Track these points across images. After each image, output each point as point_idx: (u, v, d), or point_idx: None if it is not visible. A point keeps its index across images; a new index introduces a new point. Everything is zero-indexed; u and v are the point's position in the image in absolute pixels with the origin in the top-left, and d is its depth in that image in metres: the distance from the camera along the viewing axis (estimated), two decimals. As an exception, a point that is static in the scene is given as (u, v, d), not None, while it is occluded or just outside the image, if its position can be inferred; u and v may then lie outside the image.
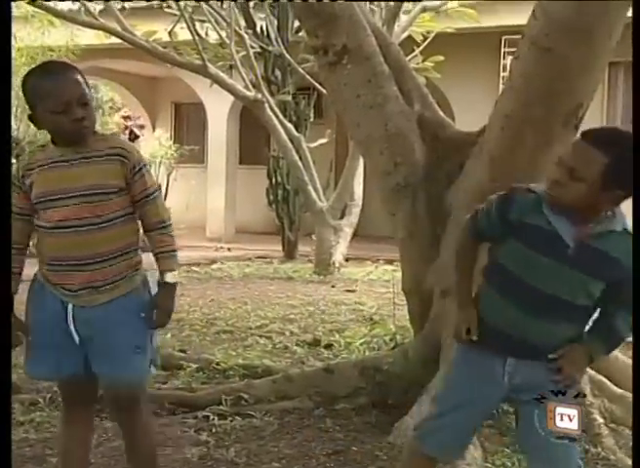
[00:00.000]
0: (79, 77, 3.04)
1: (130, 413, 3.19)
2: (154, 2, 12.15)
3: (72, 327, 3.06)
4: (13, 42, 12.77)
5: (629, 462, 3.95)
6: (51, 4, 10.42)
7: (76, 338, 3.06)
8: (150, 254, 3.20)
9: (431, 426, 3.07)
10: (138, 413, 3.20)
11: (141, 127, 17.55)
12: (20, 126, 12.41)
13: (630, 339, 3.02)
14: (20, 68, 12.49)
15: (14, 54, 12.54)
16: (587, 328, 2.94)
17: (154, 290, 3.19)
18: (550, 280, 2.85)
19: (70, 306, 3.05)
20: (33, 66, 3.27)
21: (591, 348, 2.93)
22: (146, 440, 3.26)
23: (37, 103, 3.01)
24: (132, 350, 3.09)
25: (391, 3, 9.75)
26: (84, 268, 3.02)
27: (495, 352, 2.92)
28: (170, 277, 3.15)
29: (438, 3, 10.49)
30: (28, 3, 9.68)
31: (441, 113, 5.42)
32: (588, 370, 4.58)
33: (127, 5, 12.12)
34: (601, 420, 4.32)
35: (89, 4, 10.46)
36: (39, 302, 3.12)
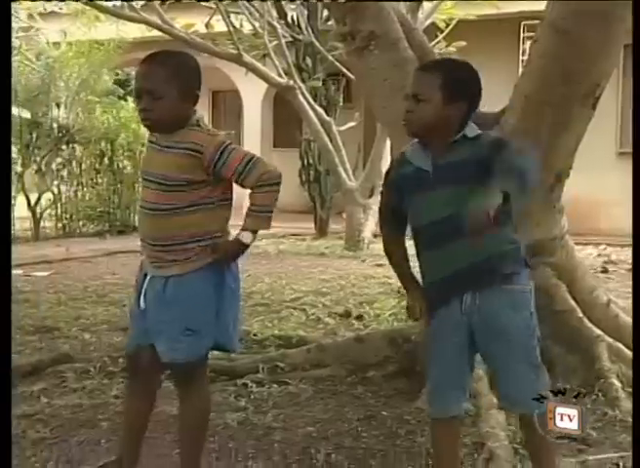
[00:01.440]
0: (165, 69, 2.96)
1: (184, 386, 3.16)
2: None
3: (142, 295, 3.06)
4: (63, 37, 12.87)
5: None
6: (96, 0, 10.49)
7: (142, 305, 3.06)
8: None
9: (428, 391, 3.12)
10: (192, 386, 3.15)
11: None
12: (70, 115, 12.48)
13: None
14: (69, 61, 12.58)
15: (64, 47, 12.62)
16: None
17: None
18: (439, 207, 2.89)
19: (148, 276, 3.06)
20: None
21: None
22: (198, 415, 3.21)
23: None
24: (181, 332, 2.98)
25: (415, -8, 9.65)
26: (155, 248, 3.02)
27: (450, 299, 2.92)
28: (245, 236, 3.00)
29: (460, -9, 10.38)
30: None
31: (464, 95, 5.35)
32: (607, 337, 4.53)
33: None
34: (619, 384, 4.27)
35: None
36: (137, 276, 3.16)
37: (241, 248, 3.02)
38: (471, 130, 2.94)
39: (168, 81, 2.95)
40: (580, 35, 3.96)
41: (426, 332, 3.07)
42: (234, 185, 3.06)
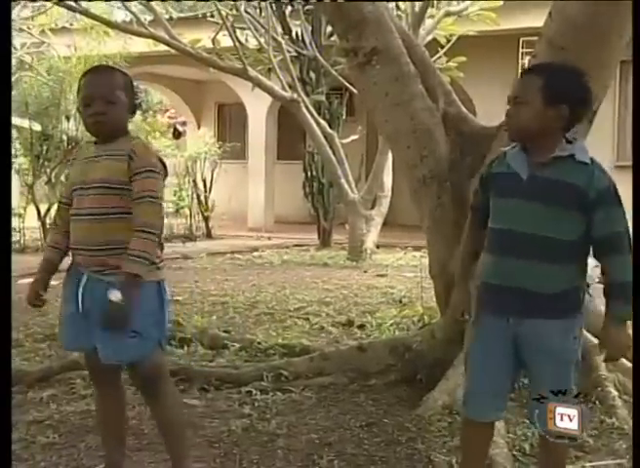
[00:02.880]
0: (115, 79, 3.11)
1: (155, 388, 3.15)
2: (199, 12, 12.22)
3: (79, 299, 3.06)
4: (73, 51, 12.91)
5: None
6: (105, 16, 10.54)
7: (80, 309, 3.05)
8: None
9: (466, 391, 3.06)
10: (164, 388, 3.16)
11: (184, 124, 17.61)
12: (80, 127, 12.51)
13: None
14: (79, 75, 12.62)
15: (74, 61, 12.66)
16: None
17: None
18: (520, 218, 2.81)
19: (84, 278, 3.05)
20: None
21: (614, 313, 2.75)
22: (172, 413, 3.21)
23: (78, 98, 3.14)
24: (126, 334, 2.95)
25: (417, 9, 9.68)
26: (95, 253, 3.01)
27: (500, 310, 2.85)
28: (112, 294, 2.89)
29: (460, 7, 10.40)
30: (63, 5, 9.70)
31: (464, 109, 5.36)
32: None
33: (174, 15, 12.19)
34: (615, 393, 4.27)
35: (140, 15, 10.53)
36: (66, 281, 3.17)
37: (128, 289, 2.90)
38: (581, 153, 2.78)
39: (120, 89, 3.08)
40: (578, 51, 3.97)
41: (471, 333, 3.02)
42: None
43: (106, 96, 3.04)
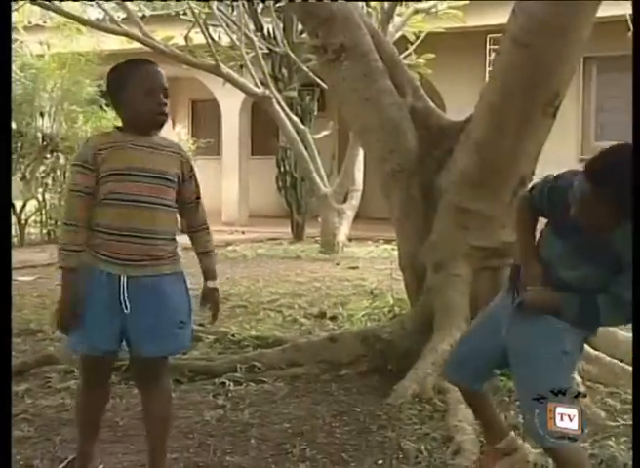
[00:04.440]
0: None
1: (158, 382, 3.15)
2: (172, 10, 12.16)
3: (123, 297, 2.93)
4: (46, 49, 12.79)
5: (602, 415, 4.02)
6: (78, 14, 10.45)
7: (127, 308, 2.93)
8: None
9: (449, 357, 3.21)
10: (165, 382, 3.19)
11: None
12: (54, 124, 12.41)
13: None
14: (52, 72, 12.50)
15: (47, 59, 12.55)
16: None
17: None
18: (556, 255, 2.79)
19: (124, 277, 2.93)
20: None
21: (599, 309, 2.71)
22: (167, 406, 3.22)
23: (130, 87, 3.00)
24: (176, 324, 3.02)
25: (386, 6, 9.70)
26: (146, 242, 2.95)
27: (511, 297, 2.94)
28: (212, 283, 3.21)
29: (429, 5, 10.43)
30: (37, 4, 9.60)
31: (431, 104, 5.39)
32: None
33: (147, 12, 12.11)
34: (579, 379, 4.31)
35: (113, 13, 10.46)
36: (86, 281, 2.96)
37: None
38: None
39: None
40: (540, 48, 4.01)
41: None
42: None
43: (166, 89, 3.05)
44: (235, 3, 10.78)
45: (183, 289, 3.08)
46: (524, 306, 2.83)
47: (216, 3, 10.46)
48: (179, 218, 3.15)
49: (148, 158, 2.99)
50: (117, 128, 3.12)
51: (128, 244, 2.93)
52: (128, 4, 10.38)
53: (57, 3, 9.75)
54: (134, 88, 2.99)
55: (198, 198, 3.15)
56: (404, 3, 10.31)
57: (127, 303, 2.93)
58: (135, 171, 2.95)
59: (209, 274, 3.20)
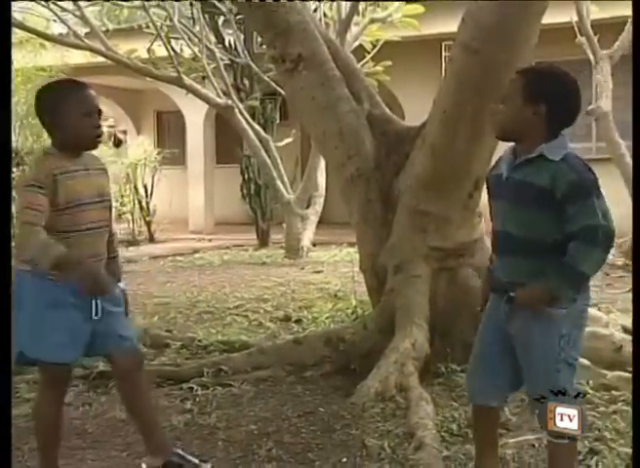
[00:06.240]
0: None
1: (130, 379, 3.25)
2: (134, 23, 12.10)
3: (96, 302, 3.05)
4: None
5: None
6: (42, 29, 10.36)
7: (99, 314, 3.07)
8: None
9: (469, 376, 3.11)
10: (137, 378, 3.27)
11: (124, 133, 17.44)
12: (19, 139, 12.27)
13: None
14: (17, 88, 12.34)
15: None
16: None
17: None
18: (504, 219, 2.82)
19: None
20: (46, 82, 3.30)
21: (550, 284, 2.69)
22: (145, 399, 3.34)
23: (63, 108, 2.99)
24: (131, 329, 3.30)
25: (343, 16, 9.72)
26: (101, 262, 3.15)
27: (496, 296, 2.90)
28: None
29: (385, 14, 10.46)
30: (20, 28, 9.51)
31: (387, 110, 5.43)
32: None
33: (110, 27, 12.02)
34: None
35: (76, 28, 10.38)
36: (44, 291, 3.02)
37: None
38: (552, 151, 2.70)
39: None
40: (489, 54, 4.05)
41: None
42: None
43: (101, 110, 3.10)
44: (196, 15, 10.74)
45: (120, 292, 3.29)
46: (519, 304, 2.78)
47: (177, 16, 10.42)
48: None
49: (91, 183, 3.09)
50: (48, 148, 3.12)
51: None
52: (91, 19, 10.31)
53: (19, 17, 9.65)
54: (70, 110, 3.00)
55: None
56: (361, 13, 10.34)
57: (97, 312, 3.07)
58: (87, 199, 3.05)
59: (119, 276, 3.35)
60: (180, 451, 3.37)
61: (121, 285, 3.32)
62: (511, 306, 2.81)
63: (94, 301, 3.04)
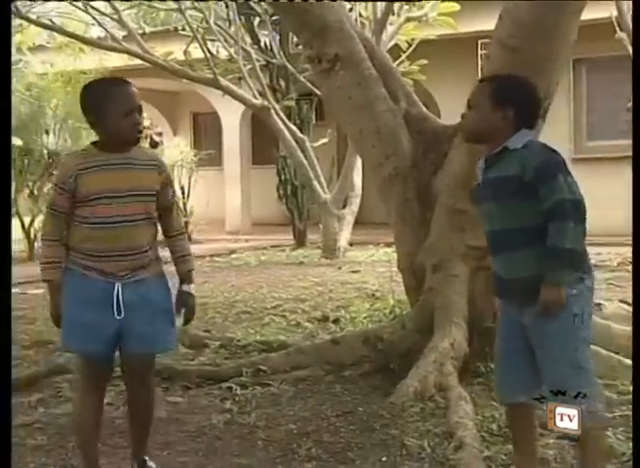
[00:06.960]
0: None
1: (147, 376, 3.23)
2: (170, 26, 12.20)
3: (116, 300, 3.04)
4: (49, 68, 12.82)
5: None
6: (80, 33, 10.51)
7: (121, 314, 3.05)
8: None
9: (495, 378, 3.16)
10: (151, 375, 3.27)
11: (159, 134, 17.57)
12: (59, 141, 12.43)
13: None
14: (57, 91, 12.53)
15: (51, 78, 12.58)
16: None
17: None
18: (486, 219, 2.98)
19: (118, 285, 3.05)
20: (91, 81, 3.32)
21: (547, 278, 2.76)
22: (151, 399, 3.29)
23: (105, 106, 3.03)
24: (171, 323, 3.19)
25: (379, 15, 9.71)
26: (127, 258, 3.07)
27: (507, 297, 2.99)
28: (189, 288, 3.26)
29: (420, 13, 10.44)
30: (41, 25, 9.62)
31: (424, 109, 5.40)
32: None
33: (147, 30, 12.15)
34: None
35: (114, 32, 10.50)
36: (79, 287, 3.09)
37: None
38: (514, 141, 2.88)
39: None
40: (527, 51, 4.02)
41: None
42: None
43: (141, 108, 3.11)
44: (232, 16, 10.80)
45: (165, 290, 3.18)
46: (546, 308, 2.79)
47: (213, 18, 10.49)
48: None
49: (124, 177, 3.06)
50: (94, 143, 3.16)
51: (117, 263, 3.06)
52: (128, 22, 10.42)
53: (59, 23, 9.79)
54: (110, 108, 3.04)
55: (172, 204, 3.25)
56: (396, 12, 10.33)
57: (119, 308, 3.05)
58: (112, 193, 3.04)
59: (185, 278, 3.26)
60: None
61: (185, 287, 3.23)
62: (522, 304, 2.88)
63: (115, 301, 3.05)
